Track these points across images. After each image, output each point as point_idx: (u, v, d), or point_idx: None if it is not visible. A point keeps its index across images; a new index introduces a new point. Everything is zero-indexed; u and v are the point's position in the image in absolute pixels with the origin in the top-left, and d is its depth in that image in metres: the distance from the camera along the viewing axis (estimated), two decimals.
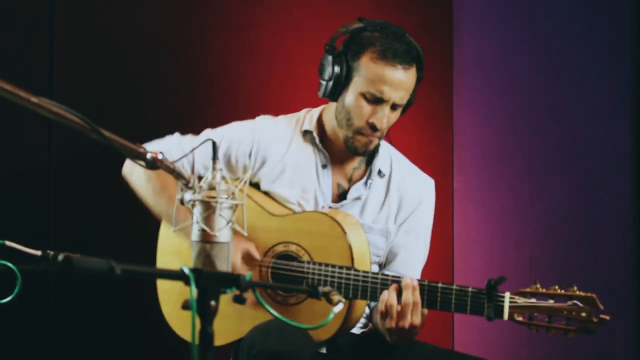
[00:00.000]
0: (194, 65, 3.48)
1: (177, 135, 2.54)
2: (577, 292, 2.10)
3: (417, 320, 2.19)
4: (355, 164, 2.51)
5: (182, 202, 1.84)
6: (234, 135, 2.50)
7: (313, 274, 2.33)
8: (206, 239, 1.77)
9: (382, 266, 2.52)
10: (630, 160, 3.44)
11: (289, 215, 2.43)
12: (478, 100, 3.53)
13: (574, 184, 3.49)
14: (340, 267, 2.30)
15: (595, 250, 3.42)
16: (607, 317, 2.07)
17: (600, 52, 3.49)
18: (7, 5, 3.37)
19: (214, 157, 1.85)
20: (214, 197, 1.77)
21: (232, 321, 2.37)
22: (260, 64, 3.48)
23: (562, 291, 2.11)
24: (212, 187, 1.80)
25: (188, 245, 2.51)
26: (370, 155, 2.51)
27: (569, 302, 2.09)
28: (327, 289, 1.88)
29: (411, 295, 2.18)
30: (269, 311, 1.59)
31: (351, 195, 2.47)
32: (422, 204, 2.51)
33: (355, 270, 2.30)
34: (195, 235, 1.79)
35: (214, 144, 1.87)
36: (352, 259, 2.31)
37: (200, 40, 3.47)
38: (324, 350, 2.41)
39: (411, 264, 2.50)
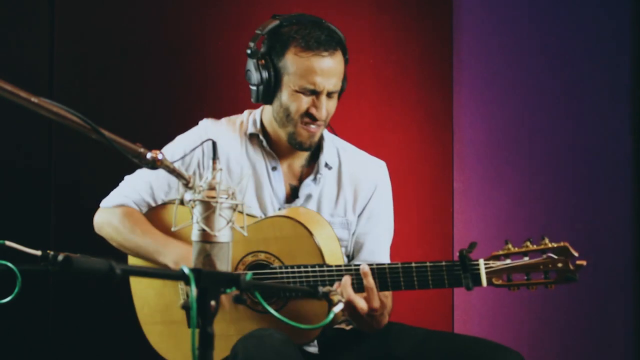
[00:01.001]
0: (194, 66, 3.48)
1: (129, 177, 2.56)
2: (550, 244, 2.07)
3: (376, 304, 2.17)
4: (303, 162, 2.50)
5: (182, 202, 1.84)
6: (187, 145, 2.48)
7: (287, 277, 2.31)
8: (206, 239, 1.77)
9: (350, 257, 2.51)
10: (630, 160, 3.44)
11: (250, 225, 2.38)
12: (478, 100, 3.53)
13: (574, 184, 3.48)
14: (313, 266, 2.29)
15: (596, 250, 3.42)
16: (584, 263, 2.05)
17: (600, 52, 3.49)
18: (7, 5, 3.37)
19: (214, 157, 1.85)
20: (214, 197, 1.77)
21: (219, 339, 2.35)
22: None
23: (534, 246, 2.08)
24: (212, 187, 1.80)
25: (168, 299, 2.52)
26: (316, 151, 2.49)
27: (544, 256, 2.07)
28: (327, 289, 1.89)
29: (366, 282, 2.17)
30: (268, 310, 1.59)
31: (302, 192, 2.46)
32: (378, 187, 2.50)
33: (328, 265, 2.28)
34: (195, 235, 1.79)
35: (214, 143, 1.87)
36: (322, 255, 2.30)
37: (200, 40, 3.47)
38: (315, 348, 2.41)
39: (378, 250, 2.49)
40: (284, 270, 2.32)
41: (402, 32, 3.50)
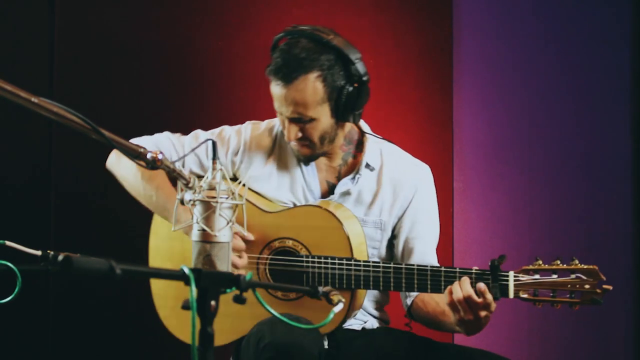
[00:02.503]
0: (194, 65, 3.48)
1: (167, 133, 2.56)
2: (579, 265, 2.13)
3: (490, 297, 2.18)
4: (340, 161, 2.51)
5: (182, 202, 1.84)
6: (223, 135, 2.53)
7: (313, 267, 2.33)
8: (206, 239, 1.77)
9: (395, 260, 2.51)
10: (630, 160, 3.43)
11: (282, 211, 2.43)
12: (478, 99, 3.53)
13: (574, 184, 3.48)
14: (340, 259, 2.31)
15: (596, 250, 3.42)
16: (610, 287, 2.11)
17: (600, 52, 3.49)
18: (7, 5, 3.37)
19: (214, 157, 1.85)
20: (214, 197, 1.77)
21: (232, 320, 2.37)
22: (260, 64, 3.47)
23: (564, 265, 2.14)
24: (212, 187, 1.80)
25: (179, 249, 2.53)
26: (359, 151, 2.51)
27: (572, 276, 2.13)
28: (327, 288, 1.89)
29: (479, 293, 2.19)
30: (268, 310, 1.59)
31: (338, 190, 2.47)
32: (419, 191, 2.50)
33: (356, 260, 2.30)
34: (195, 235, 1.79)
35: (214, 143, 1.87)
36: (351, 249, 2.32)
37: (200, 40, 3.47)
38: (325, 344, 2.42)
39: (429, 252, 2.50)
40: (310, 259, 2.34)
41: (402, 32, 3.50)
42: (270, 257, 2.40)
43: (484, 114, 3.53)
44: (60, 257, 1.24)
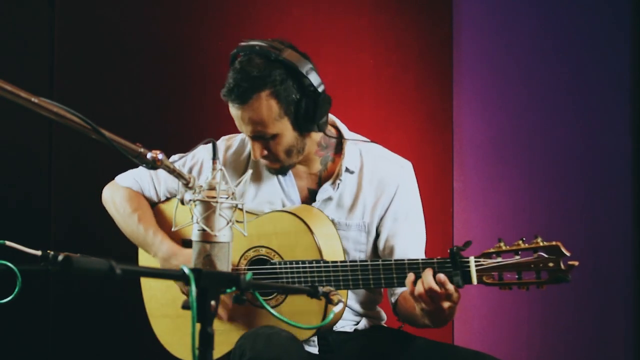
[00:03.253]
0: (193, 65, 3.48)
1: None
2: (541, 243, 2.01)
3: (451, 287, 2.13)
4: (319, 166, 2.50)
5: (182, 202, 1.85)
6: (196, 159, 2.55)
7: (286, 273, 2.32)
8: (206, 239, 1.77)
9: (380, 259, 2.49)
10: (630, 160, 3.43)
11: (252, 220, 2.40)
12: (478, 100, 3.53)
13: (574, 184, 3.48)
14: (310, 262, 2.30)
15: (596, 250, 3.42)
16: (576, 263, 1.99)
17: (600, 52, 3.49)
18: (7, 5, 3.37)
19: (214, 157, 1.85)
20: (214, 197, 1.77)
21: (221, 334, 2.37)
22: None
23: (526, 245, 2.03)
24: (212, 187, 1.80)
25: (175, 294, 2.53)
26: (337, 153, 2.49)
27: (535, 255, 2.01)
28: (327, 289, 1.89)
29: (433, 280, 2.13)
30: (269, 311, 1.59)
31: (320, 197, 2.46)
32: (400, 187, 2.47)
33: (325, 261, 2.28)
34: (195, 235, 1.79)
35: (213, 143, 1.88)
36: (320, 251, 2.30)
37: (200, 40, 3.47)
38: (316, 350, 2.41)
39: (411, 249, 2.46)
40: (282, 266, 2.32)
41: (402, 32, 3.50)
42: (246, 268, 2.39)
43: (484, 114, 3.53)
44: (60, 257, 1.24)
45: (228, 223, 1.78)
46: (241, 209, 1.82)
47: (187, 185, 1.83)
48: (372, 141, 2.54)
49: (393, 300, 2.46)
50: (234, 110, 2.34)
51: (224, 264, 1.77)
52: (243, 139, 2.55)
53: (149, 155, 1.76)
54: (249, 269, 2.39)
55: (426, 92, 3.50)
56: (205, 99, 3.47)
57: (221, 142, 2.56)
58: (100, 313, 3.40)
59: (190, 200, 1.81)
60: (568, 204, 3.48)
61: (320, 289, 1.87)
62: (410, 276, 2.14)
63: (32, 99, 1.45)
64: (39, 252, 1.87)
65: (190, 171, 2.55)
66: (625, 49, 3.45)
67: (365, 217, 2.46)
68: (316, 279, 2.28)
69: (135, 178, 2.61)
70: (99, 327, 3.40)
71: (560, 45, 3.52)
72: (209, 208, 1.78)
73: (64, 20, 3.41)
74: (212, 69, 3.47)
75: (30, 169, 3.40)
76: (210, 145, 2.49)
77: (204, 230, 1.77)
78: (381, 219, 2.47)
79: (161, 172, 2.55)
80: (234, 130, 2.59)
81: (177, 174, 1.82)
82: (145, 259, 2.59)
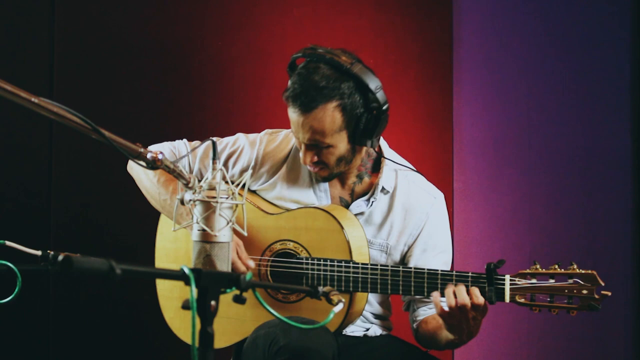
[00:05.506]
0: (193, 65, 3.48)
1: (184, 140, 2.57)
2: (577, 270, 2.08)
3: (481, 300, 2.15)
4: (354, 179, 2.50)
5: (182, 202, 1.85)
6: (237, 145, 2.52)
7: (312, 270, 2.33)
8: (206, 239, 1.77)
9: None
10: (630, 160, 3.43)
11: (284, 212, 2.44)
12: (478, 100, 3.53)
13: (574, 184, 3.48)
14: (339, 261, 2.31)
15: (596, 250, 3.42)
16: (609, 293, 2.06)
17: (600, 52, 3.49)
18: (7, 5, 3.37)
19: (214, 157, 1.85)
20: (214, 197, 1.77)
21: (234, 322, 2.37)
22: (260, 65, 3.48)
23: (562, 270, 2.10)
24: (212, 187, 1.80)
25: (185, 250, 2.53)
26: (375, 172, 2.49)
27: (570, 281, 2.08)
28: (327, 289, 1.89)
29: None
30: (269, 312, 1.59)
31: (353, 210, 2.46)
32: (430, 218, 2.46)
33: (355, 263, 2.30)
34: (195, 235, 1.79)
35: (214, 143, 1.87)
36: (350, 252, 2.32)
37: (200, 40, 3.47)
38: None
39: None
40: (310, 262, 2.33)
41: (402, 32, 3.50)
42: (271, 259, 2.40)
43: (484, 114, 3.53)
44: (60, 257, 1.24)
45: (228, 223, 1.78)
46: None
47: (187, 185, 1.83)
48: (410, 168, 2.52)
49: (415, 326, 2.47)
50: (295, 116, 2.30)
51: (224, 264, 1.77)
52: (287, 135, 2.54)
53: (149, 155, 1.76)
54: (274, 261, 2.39)
55: (426, 92, 3.50)
56: (205, 99, 3.47)
57: (264, 135, 2.54)
58: (100, 313, 3.40)
59: (190, 200, 1.81)
60: (568, 204, 3.47)
61: (320, 288, 1.87)
62: (450, 287, 2.17)
63: (32, 99, 1.45)
64: (39, 252, 1.88)
65: (229, 157, 2.50)
66: (625, 49, 3.45)
67: (390, 239, 2.46)
68: (343, 278, 2.29)
69: (172, 149, 2.55)
70: (99, 327, 3.40)
71: (560, 45, 3.51)
72: (209, 208, 1.78)
73: (64, 21, 3.41)
74: (212, 69, 3.47)
75: (30, 168, 3.40)
76: (251, 135, 2.49)
77: (204, 230, 1.77)
78: (409, 248, 2.46)
79: (198, 150, 2.51)
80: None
81: (177, 174, 1.82)
82: (168, 228, 2.57)
